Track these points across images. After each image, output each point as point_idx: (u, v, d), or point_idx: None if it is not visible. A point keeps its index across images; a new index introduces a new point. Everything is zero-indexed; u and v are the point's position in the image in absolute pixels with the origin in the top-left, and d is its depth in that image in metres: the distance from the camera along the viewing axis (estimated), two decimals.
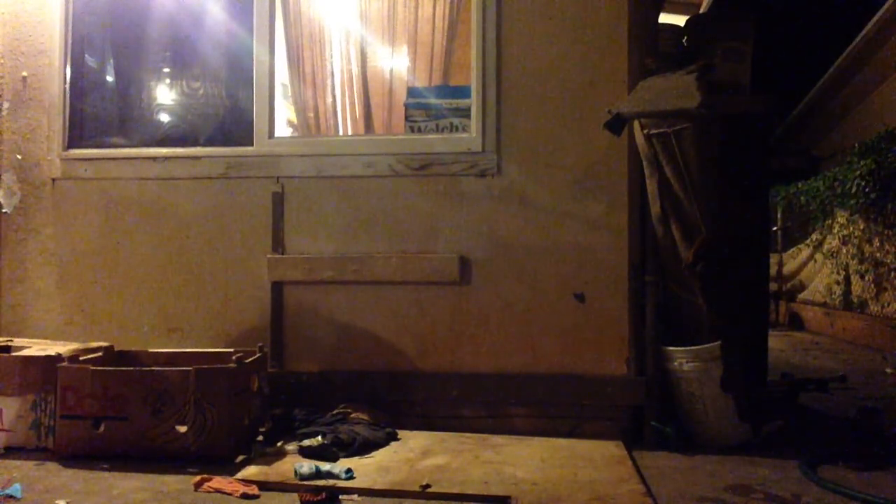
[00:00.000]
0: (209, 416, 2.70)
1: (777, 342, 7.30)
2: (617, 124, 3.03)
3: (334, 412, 3.13)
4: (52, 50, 3.64)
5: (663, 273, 3.24)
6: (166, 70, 3.88)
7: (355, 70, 3.90)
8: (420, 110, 3.59)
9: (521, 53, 3.33)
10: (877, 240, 7.16)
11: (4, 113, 3.66)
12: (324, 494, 2.29)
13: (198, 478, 2.46)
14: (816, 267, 8.94)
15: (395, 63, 3.90)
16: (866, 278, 7.41)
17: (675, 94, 2.87)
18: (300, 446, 2.80)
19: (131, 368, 2.84)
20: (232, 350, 3.07)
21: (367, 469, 2.61)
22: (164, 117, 3.85)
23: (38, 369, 2.86)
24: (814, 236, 9.00)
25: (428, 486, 2.43)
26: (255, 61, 3.52)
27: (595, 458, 2.84)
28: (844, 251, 7.97)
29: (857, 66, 9.64)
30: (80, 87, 3.73)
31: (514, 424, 3.25)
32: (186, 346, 3.41)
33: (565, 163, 3.29)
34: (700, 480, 2.64)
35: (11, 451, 2.84)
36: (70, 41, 3.66)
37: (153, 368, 2.83)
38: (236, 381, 2.80)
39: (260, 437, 2.99)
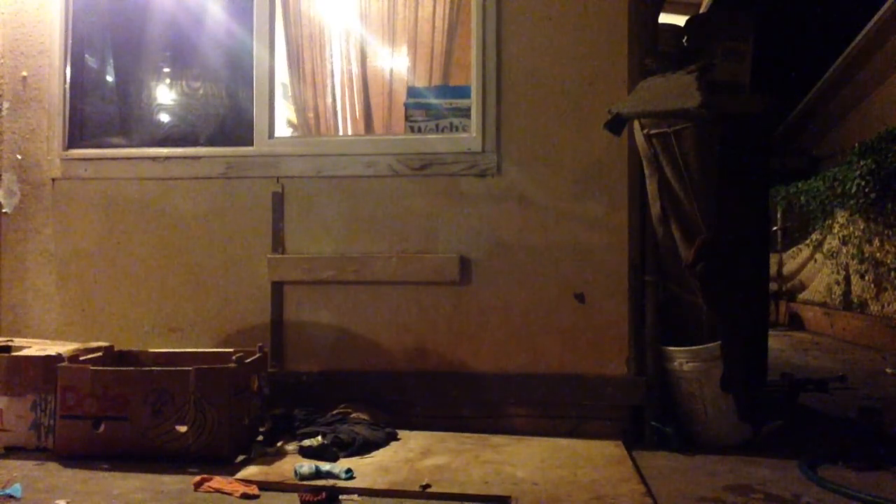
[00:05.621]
0: (209, 416, 2.70)
1: (777, 342, 7.30)
2: (617, 124, 3.04)
3: (334, 412, 3.13)
4: (52, 50, 3.64)
5: (663, 273, 3.23)
6: (166, 70, 3.88)
7: (355, 70, 3.90)
8: (420, 110, 3.59)
9: (521, 53, 3.33)
10: (877, 240, 7.16)
11: (4, 113, 3.66)
12: (324, 494, 2.28)
13: (198, 478, 2.46)
14: (816, 267, 8.95)
15: (395, 63, 3.89)
16: (866, 278, 7.41)
17: (675, 94, 2.87)
18: (300, 446, 2.80)
19: (131, 368, 2.84)
20: (232, 350, 3.07)
21: (367, 469, 2.61)
22: (164, 117, 3.85)
23: (38, 369, 2.86)
24: (814, 236, 9.01)
25: (428, 486, 2.43)
26: (255, 61, 3.52)
27: (595, 458, 2.84)
28: (844, 251, 7.97)
29: (857, 66, 9.64)
30: (80, 87, 3.72)
31: (514, 424, 3.25)
32: (186, 346, 3.41)
33: (565, 163, 3.29)
34: (700, 480, 2.64)
35: (11, 451, 2.84)
36: (70, 41, 3.66)
37: (153, 368, 2.83)
38: (236, 381, 2.80)
39: (260, 437, 2.99)
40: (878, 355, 6.39)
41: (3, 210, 3.64)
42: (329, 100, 3.90)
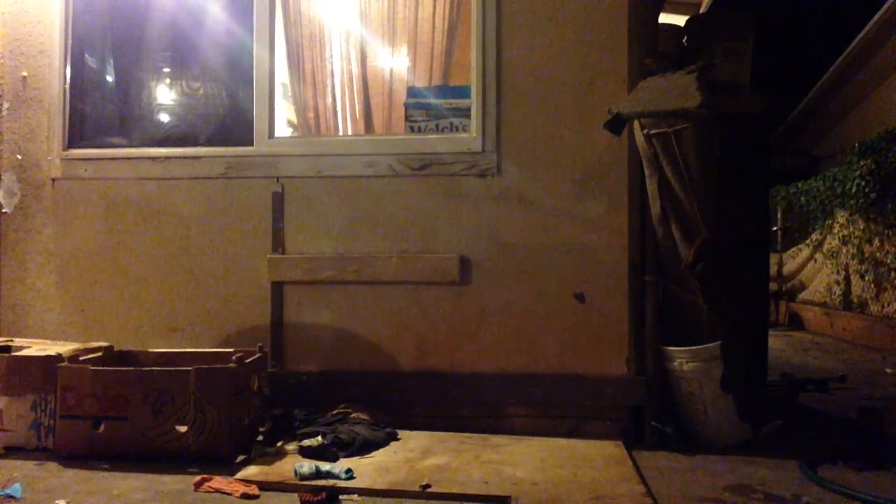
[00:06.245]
0: (209, 416, 2.70)
1: (777, 342, 7.30)
2: (617, 124, 3.04)
3: (334, 412, 3.13)
4: (52, 50, 3.64)
5: (663, 273, 3.23)
6: (166, 70, 3.88)
7: (355, 70, 3.90)
8: (420, 110, 3.59)
9: (521, 53, 3.33)
10: (877, 240, 7.16)
11: (4, 113, 3.66)
12: (324, 494, 2.29)
13: (198, 478, 2.46)
14: (816, 267, 8.95)
15: (395, 63, 3.89)
16: (866, 278, 7.42)
17: (675, 94, 2.87)
18: (300, 446, 2.80)
19: (131, 368, 2.84)
20: (232, 350, 3.07)
21: (367, 469, 2.61)
22: (164, 117, 3.85)
23: (38, 369, 2.86)
24: (814, 236, 9.01)
25: (428, 486, 2.43)
26: (255, 61, 3.52)
27: (595, 458, 2.84)
28: (844, 251, 7.97)
29: (856, 67, 9.64)
30: (80, 87, 3.72)
31: (514, 424, 3.25)
32: (186, 346, 3.41)
33: (565, 163, 3.29)
34: (700, 480, 2.64)
35: (11, 451, 2.84)
36: (70, 41, 3.66)
37: (153, 368, 2.83)
38: (236, 381, 2.80)
39: (260, 437, 2.99)
40: (878, 355, 6.39)
41: (3, 210, 3.64)
42: (329, 100, 3.90)
